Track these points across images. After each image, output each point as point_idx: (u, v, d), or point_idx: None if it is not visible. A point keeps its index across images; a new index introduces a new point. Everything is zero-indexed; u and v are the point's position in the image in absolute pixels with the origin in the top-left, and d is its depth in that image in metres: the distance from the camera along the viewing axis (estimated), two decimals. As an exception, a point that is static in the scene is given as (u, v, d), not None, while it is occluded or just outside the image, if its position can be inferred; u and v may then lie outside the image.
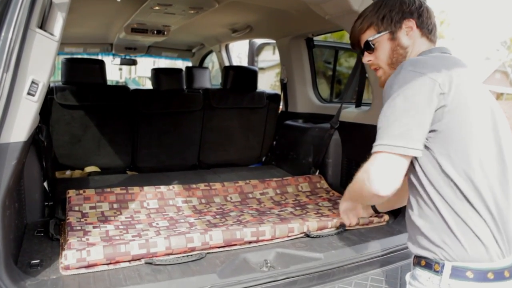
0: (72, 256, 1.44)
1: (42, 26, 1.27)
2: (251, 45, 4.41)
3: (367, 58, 1.38)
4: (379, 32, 1.33)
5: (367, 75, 2.39)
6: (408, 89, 1.09)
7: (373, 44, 1.35)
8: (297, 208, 2.23)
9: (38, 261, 1.49)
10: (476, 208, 1.08)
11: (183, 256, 1.56)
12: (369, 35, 1.35)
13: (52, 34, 1.28)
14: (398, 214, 2.07)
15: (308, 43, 3.23)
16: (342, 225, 1.90)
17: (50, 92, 2.66)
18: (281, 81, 3.43)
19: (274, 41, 3.59)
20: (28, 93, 1.24)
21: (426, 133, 1.10)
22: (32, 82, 1.25)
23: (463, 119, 1.10)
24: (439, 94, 1.09)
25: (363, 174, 1.14)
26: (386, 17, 1.33)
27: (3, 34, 1.17)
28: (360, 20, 1.39)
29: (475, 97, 1.15)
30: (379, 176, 1.09)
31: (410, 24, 1.30)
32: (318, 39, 3.33)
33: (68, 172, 2.96)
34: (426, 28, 1.32)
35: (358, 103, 2.64)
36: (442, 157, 1.10)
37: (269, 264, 1.54)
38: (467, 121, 1.11)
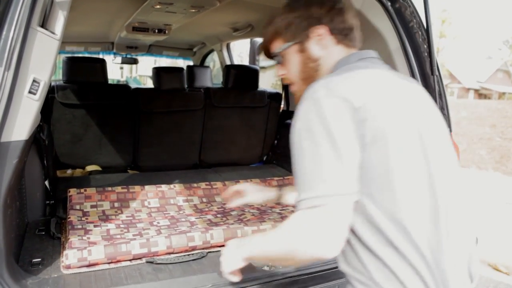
0: (73, 255, 1.44)
1: (43, 24, 1.27)
2: (252, 44, 4.40)
3: (279, 71, 1.21)
4: (285, 43, 1.14)
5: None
6: (322, 119, 0.89)
7: (282, 56, 1.17)
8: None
9: (39, 259, 1.50)
10: (405, 253, 0.89)
11: (184, 255, 1.57)
12: (276, 47, 1.17)
13: (53, 33, 1.28)
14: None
15: (309, 42, 3.22)
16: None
17: (51, 91, 2.66)
18: (282, 80, 3.42)
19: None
20: (30, 92, 1.24)
21: (356, 167, 0.89)
22: (34, 80, 1.25)
23: (386, 151, 0.90)
24: (358, 121, 0.89)
25: (295, 237, 0.90)
26: (292, 25, 1.13)
27: (4, 32, 1.17)
28: (267, 27, 1.20)
29: (402, 120, 0.95)
30: (321, 237, 0.86)
31: (320, 32, 1.11)
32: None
33: (69, 171, 2.96)
34: (341, 33, 1.12)
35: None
36: (364, 197, 0.90)
37: (270, 263, 1.54)
38: (390, 152, 0.90)
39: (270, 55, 1.22)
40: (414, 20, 1.87)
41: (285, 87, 3.41)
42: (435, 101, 1.87)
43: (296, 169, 0.91)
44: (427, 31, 1.81)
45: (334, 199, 0.86)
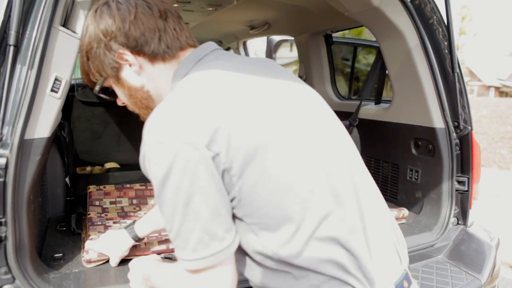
0: (93, 251, 1.46)
1: (65, 24, 1.30)
2: (269, 42, 4.40)
3: (118, 101, 1.10)
4: (98, 80, 1.02)
5: (387, 71, 2.36)
6: (170, 174, 0.76)
7: (109, 89, 1.06)
8: None
9: (60, 254, 1.53)
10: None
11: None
12: (93, 82, 1.04)
13: (74, 32, 1.31)
14: (419, 213, 2.05)
15: (326, 40, 3.21)
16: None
17: (71, 89, 2.71)
18: (299, 78, 3.41)
19: (292, 38, 3.58)
20: (52, 90, 1.27)
21: (229, 214, 0.82)
22: (56, 79, 1.27)
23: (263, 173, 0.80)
24: (220, 168, 0.78)
25: None
26: (91, 59, 0.99)
27: (27, 32, 1.20)
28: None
29: (268, 134, 0.81)
30: None
31: (124, 58, 0.96)
32: (336, 35, 3.30)
33: (88, 168, 3.01)
34: (152, 50, 0.94)
35: (378, 100, 2.61)
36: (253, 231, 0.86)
37: None
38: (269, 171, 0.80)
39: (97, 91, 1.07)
40: (434, 17, 1.84)
41: (302, 85, 3.39)
42: (455, 99, 1.84)
43: (167, 221, 0.81)
44: (448, 27, 1.79)
45: (213, 259, 0.79)
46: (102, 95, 1.08)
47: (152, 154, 0.78)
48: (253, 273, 0.92)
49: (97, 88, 1.04)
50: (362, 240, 0.89)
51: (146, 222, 1.47)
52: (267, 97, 0.89)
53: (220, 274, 0.82)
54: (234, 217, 0.86)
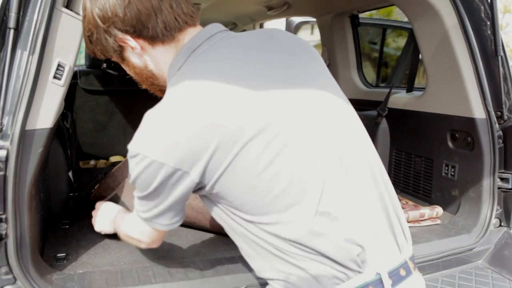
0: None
1: (68, 5, 1.31)
2: (288, 24, 4.37)
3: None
4: (106, 60, 1.22)
5: (420, 55, 2.33)
6: (150, 178, 0.98)
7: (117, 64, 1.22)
8: None
9: (64, 254, 1.56)
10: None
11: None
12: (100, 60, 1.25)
13: (78, 14, 1.32)
14: (456, 213, 2.02)
15: (352, 21, 3.17)
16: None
17: (74, 76, 2.74)
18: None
19: (314, 20, 3.55)
20: (54, 77, 1.29)
21: (179, 210, 1.11)
22: (58, 65, 1.29)
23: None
24: (195, 184, 0.99)
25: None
26: (96, 42, 1.12)
27: (28, 14, 1.22)
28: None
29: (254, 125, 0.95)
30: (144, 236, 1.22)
31: (125, 41, 1.08)
32: (363, 16, 3.26)
33: (92, 162, 3.06)
34: (150, 34, 1.05)
35: (410, 88, 2.58)
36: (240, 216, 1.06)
37: None
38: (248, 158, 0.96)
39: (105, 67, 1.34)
40: (475, -7, 1.80)
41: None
42: (498, 85, 1.80)
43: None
44: (491, 5, 1.75)
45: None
46: (110, 71, 1.26)
47: (131, 159, 0.98)
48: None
49: (104, 65, 1.21)
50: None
51: None
52: (260, 95, 0.97)
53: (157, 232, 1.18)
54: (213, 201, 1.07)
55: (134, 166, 0.98)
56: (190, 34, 1.09)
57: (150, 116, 0.98)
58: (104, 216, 1.59)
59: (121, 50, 1.13)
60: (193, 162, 0.94)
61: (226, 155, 0.94)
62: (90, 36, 1.11)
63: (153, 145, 0.95)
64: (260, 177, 0.95)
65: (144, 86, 1.24)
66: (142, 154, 0.95)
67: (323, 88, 1.07)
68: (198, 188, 1.02)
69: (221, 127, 0.93)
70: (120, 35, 1.07)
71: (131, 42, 1.08)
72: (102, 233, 1.61)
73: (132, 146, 0.98)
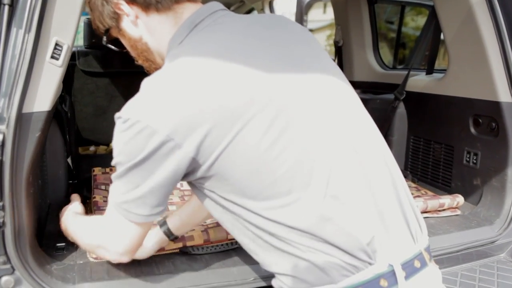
0: None
1: (65, -21, 1.30)
2: (299, 1, 4.33)
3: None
4: (105, 32, 1.21)
5: (441, 35, 2.30)
6: (135, 150, 0.94)
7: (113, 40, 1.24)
8: None
9: (63, 244, 1.57)
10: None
11: (222, 244, 1.60)
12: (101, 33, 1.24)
13: (76, -11, 1.31)
14: (477, 204, 2.01)
15: (369, -2, 3.14)
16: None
17: (72, 57, 2.73)
18: (335, 44, 3.36)
19: (327, -4, 3.52)
20: (52, 57, 1.28)
21: (162, 197, 1.03)
22: (56, 44, 1.28)
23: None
24: (189, 161, 0.94)
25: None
26: (96, 11, 1.17)
27: (24, -11, 1.21)
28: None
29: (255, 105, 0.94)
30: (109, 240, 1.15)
31: (120, 7, 1.11)
32: (380, -8, 3.23)
33: (92, 148, 3.07)
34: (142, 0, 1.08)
35: (430, 70, 2.55)
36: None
37: None
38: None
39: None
40: (503, -34, 1.77)
41: (339, 53, 3.35)
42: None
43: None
44: (520, -20, 1.72)
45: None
46: (110, 46, 1.25)
47: (118, 126, 0.96)
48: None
49: (104, 39, 1.21)
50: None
51: (182, 219, 1.50)
52: (263, 72, 0.97)
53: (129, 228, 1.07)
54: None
55: (121, 133, 0.95)
56: (190, 8, 1.10)
57: (146, 82, 0.98)
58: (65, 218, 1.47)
59: (117, 18, 1.15)
60: (187, 134, 0.91)
61: (226, 132, 0.92)
62: (89, 2, 1.17)
63: (145, 110, 0.93)
64: (264, 157, 0.94)
65: (139, 62, 1.25)
66: (133, 119, 0.92)
67: (328, 69, 1.09)
68: (191, 172, 0.98)
69: (221, 102, 0.92)
70: (118, 1, 1.11)
71: (124, 7, 1.11)
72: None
73: (121, 112, 0.95)
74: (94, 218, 1.23)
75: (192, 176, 0.99)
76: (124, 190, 1.01)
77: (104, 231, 1.14)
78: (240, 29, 1.06)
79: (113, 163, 1.01)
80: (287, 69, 1.01)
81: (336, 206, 0.96)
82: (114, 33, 1.21)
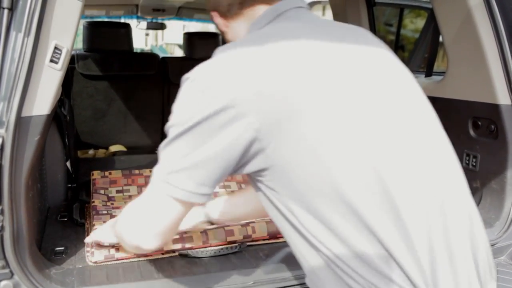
0: (100, 253, 1.50)
1: (65, -17, 1.30)
2: (300, 3, 4.33)
3: None
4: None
5: (440, 37, 2.30)
6: (192, 110, 0.89)
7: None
8: None
9: (62, 248, 1.57)
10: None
11: (221, 248, 1.60)
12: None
13: (76, -7, 1.31)
14: (478, 204, 2.01)
15: (368, 1, 3.14)
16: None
17: (71, 60, 2.74)
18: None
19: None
20: (51, 61, 1.28)
21: (211, 176, 0.91)
22: (55, 48, 1.28)
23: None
24: (251, 137, 0.87)
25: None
26: None
27: (23, -7, 1.21)
28: None
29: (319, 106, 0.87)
30: (138, 222, 1.04)
31: (214, 19, 1.19)
32: (379, -5, 3.23)
33: (91, 151, 3.07)
34: (221, 9, 1.13)
35: (429, 72, 2.55)
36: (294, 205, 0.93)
37: None
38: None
39: None
40: (501, -31, 1.77)
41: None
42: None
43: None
44: (518, -18, 1.72)
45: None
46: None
47: (183, 84, 0.92)
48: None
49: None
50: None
51: (225, 206, 1.48)
52: (329, 68, 0.92)
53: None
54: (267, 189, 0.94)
55: (184, 93, 0.91)
56: (262, 9, 1.09)
57: (219, 49, 0.96)
58: (105, 225, 1.46)
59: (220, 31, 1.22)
60: (253, 102, 0.85)
61: (291, 115, 0.85)
62: None
63: (212, 72, 0.90)
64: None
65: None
66: (198, 79, 0.89)
67: (406, 90, 1.03)
68: (250, 158, 0.90)
69: (297, 88, 0.87)
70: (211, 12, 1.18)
71: (215, 17, 1.17)
72: (103, 242, 1.49)
73: (190, 72, 0.92)
74: (134, 202, 1.12)
75: (252, 163, 0.91)
76: (170, 158, 0.92)
77: (140, 210, 1.05)
78: (318, 28, 1.03)
79: (167, 126, 0.94)
80: (368, 74, 0.96)
81: (403, 233, 0.88)
82: (222, 18, 1.21)
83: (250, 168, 0.92)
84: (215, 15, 1.17)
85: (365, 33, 1.10)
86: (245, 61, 0.90)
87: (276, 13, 1.04)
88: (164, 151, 0.94)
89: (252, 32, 1.04)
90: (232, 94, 0.85)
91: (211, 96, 0.86)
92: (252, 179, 0.99)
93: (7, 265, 1.24)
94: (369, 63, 0.99)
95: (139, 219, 1.04)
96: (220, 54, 0.94)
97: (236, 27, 1.13)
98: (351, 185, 0.87)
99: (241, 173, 0.94)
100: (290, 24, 1.01)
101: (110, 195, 2.09)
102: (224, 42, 1.17)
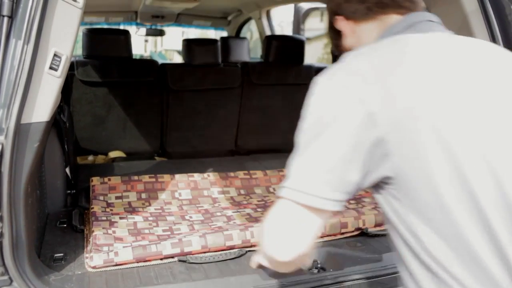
0: (99, 257, 1.50)
1: (64, -9, 1.31)
2: (296, 10, 4.35)
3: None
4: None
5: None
6: (323, 110, 0.90)
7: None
8: (351, 201, 2.21)
9: (61, 254, 1.57)
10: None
11: (220, 254, 1.59)
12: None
13: (75, 0, 1.31)
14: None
15: (365, 7, 3.16)
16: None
17: (71, 67, 2.74)
18: (332, 53, 3.38)
19: (324, 6, 3.53)
20: (51, 68, 1.29)
21: (343, 179, 0.87)
22: (55, 55, 1.29)
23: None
24: (371, 128, 0.84)
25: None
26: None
27: (23, 1, 1.21)
28: None
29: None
30: (271, 232, 0.92)
31: (339, 23, 1.18)
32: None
33: (90, 158, 3.07)
34: (352, 11, 1.13)
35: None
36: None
37: (319, 265, 1.54)
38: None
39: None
40: (497, -24, 1.78)
41: (335, 61, 3.36)
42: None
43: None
44: (514, -11, 1.73)
45: (300, 197, 0.88)
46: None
47: (313, 89, 0.93)
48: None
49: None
50: None
51: None
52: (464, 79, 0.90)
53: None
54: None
55: (316, 94, 0.92)
56: (396, 18, 1.09)
57: (353, 52, 0.97)
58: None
59: (339, 36, 1.20)
60: (385, 107, 0.84)
61: (425, 129, 0.83)
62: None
63: (336, 73, 0.92)
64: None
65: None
66: (331, 79, 0.91)
67: None
68: (376, 163, 0.86)
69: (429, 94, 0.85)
70: (337, 16, 1.17)
71: (342, 22, 1.16)
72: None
73: (322, 74, 0.94)
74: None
75: (378, 170, 0.88)
76: (300, 162, 0.90)
77: (277, 224, 0.94)
78: (456, 41, 1.02)
79: (299, 129, 0.94)
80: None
81: None
82: (343, 23, 1.20)
83: (377, 174, 0.89)
84: (339, 19, 1.17)
85: (492, 45, 1.09)
86: (382, 65, 0.90)
87: (409, 23, 1.05)
88: (295, 156, 0.92)
89: (386, 38, 1.03)
90: (363, 93, 0.86)
91: (347, 98, 0.87)
92: (377, 194, 0.95)
93: (6, 271, 1.24)
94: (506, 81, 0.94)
95: (279, 234, 0.94)
96: (356, 57, 0.95)
97: (365, 31, 1.13)
98: (487, 199, 0.82)
99: (369, 182, 0.90)
100: (424, 35, 1.00)
101: (109, 201, 2.09)
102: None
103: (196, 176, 2.34)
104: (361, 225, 1.83)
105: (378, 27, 1.10)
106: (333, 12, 1.19)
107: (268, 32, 4.42)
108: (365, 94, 0.85)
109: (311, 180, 0.88)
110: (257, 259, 1.29)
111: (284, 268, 1.04)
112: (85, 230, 1.79)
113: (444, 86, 0.88)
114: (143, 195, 2.18)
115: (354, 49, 1.05)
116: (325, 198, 0.86)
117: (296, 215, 0.89)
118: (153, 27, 4.94)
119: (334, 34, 1.23)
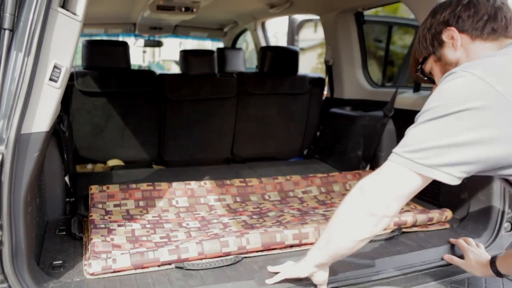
0: (97, 264, 1.49)
1: (64, 5, 1.31)
2: (290, 22, 4.38)
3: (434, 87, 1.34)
4: (423, 60, 1.32)
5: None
6: (457, 101, 1.00)
7: (429, 72, 1.33)
8: None
9: (60, 262, 1.56)
10: None
11: (217, 260, 1.59)
12: (417, 65, 1.35)
13: (74, 14, 1.32)
14: (465, 217, 2.02)
15: (357, 19, 3.18)
16: (397, 227, 1.87)
17: (70, 78, 2.75)
18: (326, 63, 3.40)
19: (317, 17, 3.56)
20: (50, 79, 1.29)
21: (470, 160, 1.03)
22: (55, 66, 1.29)
23: None
24: (493, 137, 0.98)
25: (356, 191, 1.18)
26: (421, 39, 1.30)
27: (24, 14, 1.22)
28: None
29: None
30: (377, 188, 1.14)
31: (450, 34, 1.23)
32: (368, 13, 3.27)
33: (89, 166, 3.07)
34: (474, 28, 1.19)
35: (417, 87, 2.58)
36: None
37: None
38: None
39: (416, 73, 1.38)
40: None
41: (329, 71, 3.39)
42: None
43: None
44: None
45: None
46: (421, 76, 1.36)
47: (448, 77, 1.05)
48: None
49: (418, 67, 1.34)
50: None
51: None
52: None
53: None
54: None
55: (450, 81, 1.02)
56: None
57: (477, 61, 1.09)
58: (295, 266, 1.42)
59: (439, 45, 1.25)
60: (504, 108, 0.96)
61: None
62: (422, 30, 1.30)
63: (472, 67, 1.02)
64: None
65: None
66: (468, 72, 1.00)
67: None
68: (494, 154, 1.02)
69: None
70: (451, 28, 1.22)
71: (455, 34, 1.21)
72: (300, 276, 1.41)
73: (456, 69, 1.05)
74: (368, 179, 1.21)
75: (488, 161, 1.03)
76: (426, 136, 1.06)
77: (381, 180, 1.16)
78: None
79: (426, 107, 1.06)
80: None
81: None
82: (430, 61, 1.30)
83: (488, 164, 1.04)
84: (453, 31, 1.22)
85: None
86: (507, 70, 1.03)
87: None
88: (416, 128, 1.09)
89: (500, 55, 1.11)
90: (500, 86, 0.97)
91: (474, 79, 0.99)
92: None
93: (5, 279, 1.24)
94: None
95: (381, 187, 1.15)
96: (488, 60, 1.07)
97: (475, 49, 1.20)
98: None
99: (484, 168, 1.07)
100: None
101: (107, 209, 2.09)
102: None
103: (193, 184, 2.34)
104: None
105: (494, 46, 1.18)
106: (444, 23, 1.23)
107: (263, 43, 4.45)
108: (495, 94, 0.97)
109: (433, 152, 1.06)
110: (281, 275, 1.42)
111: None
112: (84, 237, 1.78)
113: None
114: (141, 203, 2.17)
115: (459, 63, 1.19)
116: (440, 165, 1.07)
117: (404, 175, 1.12)
118: (151, 38, 4.96)
119: (433, 47, 1.28)
